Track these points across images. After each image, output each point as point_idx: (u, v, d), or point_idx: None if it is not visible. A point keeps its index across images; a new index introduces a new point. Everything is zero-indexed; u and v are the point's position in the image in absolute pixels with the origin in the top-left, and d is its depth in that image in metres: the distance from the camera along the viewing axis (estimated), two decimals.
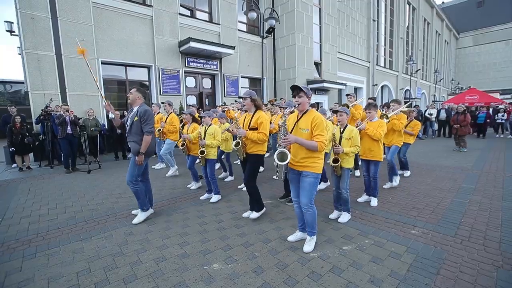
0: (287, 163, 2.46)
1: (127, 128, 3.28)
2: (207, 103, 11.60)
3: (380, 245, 2.68)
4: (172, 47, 10.06)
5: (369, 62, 19.92)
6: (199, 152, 4.08)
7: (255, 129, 3.21)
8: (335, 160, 3.14)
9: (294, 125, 2.54)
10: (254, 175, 3.34)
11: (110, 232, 3.12)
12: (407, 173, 5.42)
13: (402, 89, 24.22)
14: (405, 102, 6.50)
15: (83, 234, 3.08)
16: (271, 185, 4.91)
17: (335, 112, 3.44)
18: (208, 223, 3.32)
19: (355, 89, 18.99)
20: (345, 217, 3.27)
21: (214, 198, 4.12)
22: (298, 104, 2.47)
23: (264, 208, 3.45)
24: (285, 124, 2.43)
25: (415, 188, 4.56)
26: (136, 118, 3.20)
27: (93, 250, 2.71)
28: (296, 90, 2.46)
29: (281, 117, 2.43)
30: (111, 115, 3.62)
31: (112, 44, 8.73)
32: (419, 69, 25.22)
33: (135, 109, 3.26)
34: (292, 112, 2.82)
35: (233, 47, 10.97)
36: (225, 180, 5.39)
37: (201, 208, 3.86)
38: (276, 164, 2.49)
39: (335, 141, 3.16)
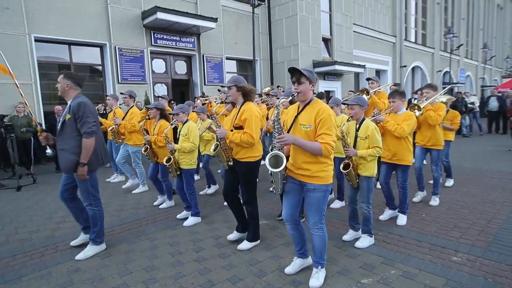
0: (284, 170, 2.48)
1: (58, 130, 3.22)
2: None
3: (411, 276, 2.71)
4: (133, 19, 10.07)
5: (395, 36, 20.27)
6: (164, 160, 4.10)
7: (240, 128, 3.22)
8: (346, 166, 3.18)
9: (294, 120, 2.57)
10: (253, 189, 3.39)
11: (48, 269, 3.08)
12: (450, 182, 5.46)
13: (440, 71, 24.65)
14: (443, 88, 6.58)
15: (8, 274, 3.02)
16: (267, 201, 4.94)
17: (345, 104, 3.50)
18: (183, 252, 3.32)
19: (377, 72, 19.28)
20: (365, 240, 3.31)
21: (191, 220, 4.12)
22: (298, 93, 2.49)
23: (259, 241, 3.47)
24: (279, 119, 2.45)
25: (457, 201, 4.63)
26: (68, 116, 3.10)
27: None
28: (295, 74, 2.49)
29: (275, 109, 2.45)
30: (49, 151, 3.66)
31: (50, 14, 8.67)
32: (462, 44, 25.64)
33: (68, 103, 3.21)
34: (292, 102, 2.85)
35: (215, 19, 11.04)
36: (208, 192, 5.52)
37: (174, 232, 3.85)
38: (270, 172, 2.51)
39: (346, 141, 3.21)
